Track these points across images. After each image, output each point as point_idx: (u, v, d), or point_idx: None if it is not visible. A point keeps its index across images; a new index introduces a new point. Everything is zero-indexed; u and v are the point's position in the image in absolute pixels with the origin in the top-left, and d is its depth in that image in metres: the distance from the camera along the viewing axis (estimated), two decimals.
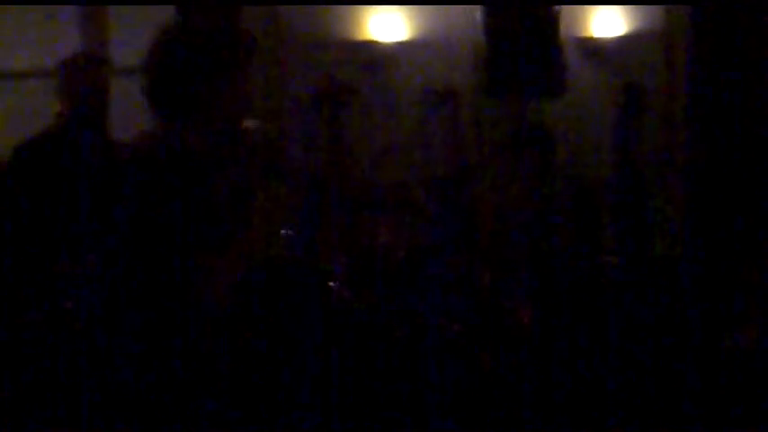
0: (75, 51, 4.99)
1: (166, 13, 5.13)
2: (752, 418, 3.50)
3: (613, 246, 4.63)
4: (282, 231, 3.99)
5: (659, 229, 5.21)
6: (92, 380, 2.65)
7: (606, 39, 6.00)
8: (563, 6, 5.67)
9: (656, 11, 6.03)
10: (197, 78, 2.28)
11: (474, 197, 4.78)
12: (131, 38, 5.40)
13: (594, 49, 6.00)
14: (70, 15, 5.51)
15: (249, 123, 2.41)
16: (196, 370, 2.25)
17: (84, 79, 3.74)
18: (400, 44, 5.81)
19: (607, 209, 4.87)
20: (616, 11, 6.00)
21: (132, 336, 2.25)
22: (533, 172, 4.60)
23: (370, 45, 5.79)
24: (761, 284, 4.04)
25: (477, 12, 5.60)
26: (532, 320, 3.88)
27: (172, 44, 2.33)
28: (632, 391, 3.66)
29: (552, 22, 5.60)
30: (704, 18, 5.71)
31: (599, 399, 3.62)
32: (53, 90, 3.81)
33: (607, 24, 6.00)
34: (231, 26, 2.40)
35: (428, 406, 3.55)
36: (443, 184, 4.87)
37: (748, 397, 3.57)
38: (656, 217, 5.18)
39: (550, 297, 3.96)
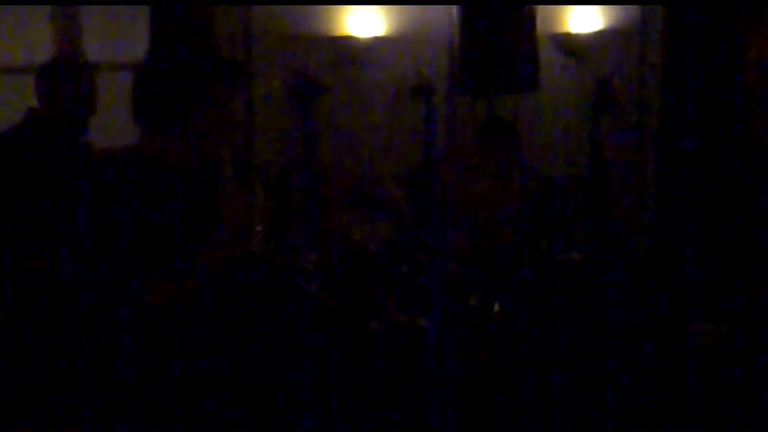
0: (52, 50, 5.02)
1: (141, 12, 5.20)
2: (722, 413, 3.54)
3: (582, 242, 4.67)
4: (258, 227, 4.01)
5: (629, 225, 5.26)
6: (61, 379, 2.69)
7: (580, 35, 6.03)
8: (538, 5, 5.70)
9: (630, 8, 6.06)
10: (180, 95, 2.32)
11: (445, 192, 4.81)
12: (105, 36, 5.44)
13: (568, 46, 6.03)
14: (45, 13, 5.49)
15: None
16: (169, 367, 2.28)
17: (60, 79, 3.73)
18: (373, 40, 5.82)
19: (577, 205, 4.92)
20: (591, 7, 6.03)
21: (105, 335, 2.28)
22: (503, 167, 4.65)
23: (344, 41, 5.79)
24: (732, 281, 4.09)
25: (452, 8, 5.62)
26: (501, 316, 3.92)
27: (157, 60, 2.37)
28: (599, 388, 3.70)
29: (527, 19, 5.62)
30: (678, 15, 5.76)
31: (568, 395, 3.66)
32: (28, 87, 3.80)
33: (581, 21, 6.03)
34: (215, 45, 2.45)
35: (400, 401, 3.58)
36: (416, 179, 4.90)
37: (718, 393, 3.62)
38: (627, 213, 5.23)
39: (519, 293, 4.00)
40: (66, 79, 3.69)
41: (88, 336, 2.37)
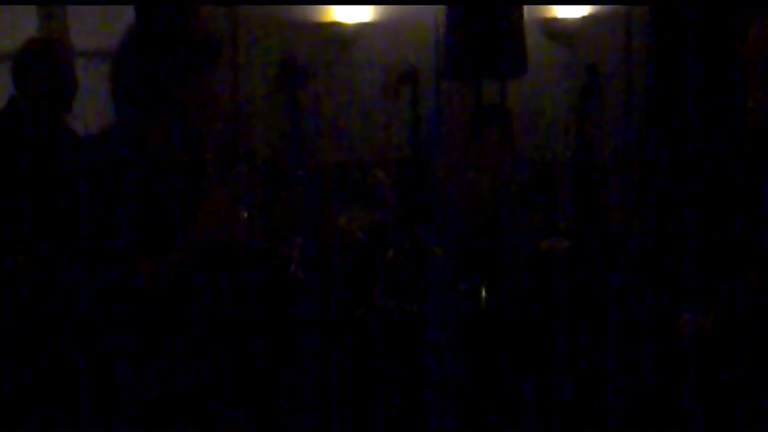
0: (33, 35, 4.97)
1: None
2: (704, 400, 3.55)
3: (569, 226, 4.68)
4: (245, 213, 3.99)
5: (615, 211, 5.26)
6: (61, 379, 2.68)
7: (568, 18, 6.02)
8: None
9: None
10: (160, 77, 2.29)
11: (434, 178, 4.81)
12: (90, 22, 5.40)
13: (556, 31, 6.02)
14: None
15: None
16: (155, 359, 2.27)
17: (40, 64, 3.70)
18: (360, 26, 5.81)
19: (564, 190, 4.91)
20: None
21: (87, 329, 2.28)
22: (492, 153, 4.64)
23: (331, 26, 5.78)
24: (716, 269, 4.09)
25: None
26: (490, 303, 3.93)
27: (136, 42, 2.34)
28: (583, 375, 3.71)
29: (514, 4, 5.60)
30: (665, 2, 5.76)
31: (553, 383, 3.67)
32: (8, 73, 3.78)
33: (568, 6, 6.02)
34: (195, 26, 2.41)
35: (385, 389, 3.59)
36: (403, 165, 4.90)
37: (701, 380, 3.62)
38: (612, 199, 5.23)
39: (509, 279, 4.00)
40: (43, 64, 3.65)
41: (79, 331, 2.37)
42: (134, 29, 2.38)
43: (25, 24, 5.28)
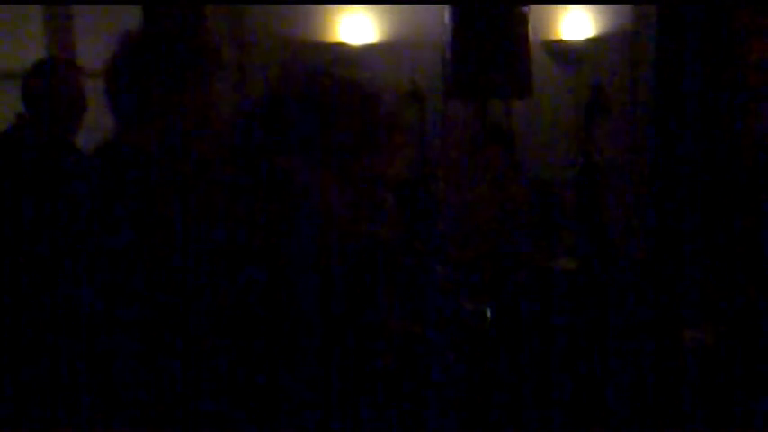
0: (42, 54, 4.99)
1: (133, 16, 5.19)
2: (709, 415, 3.54)
3: (574, 247, 4.66)
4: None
5: (621, 230, 5.25)
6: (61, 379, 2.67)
7: (573, 41, 6.04)
8: (530, 7, 5.70)
9: (623, 13, 6.07)
10: (158, 83, 2.28)
11: (437, 198, 4.80)
12: (97, 41, 5.42)
13: (561, 51, 6.04)
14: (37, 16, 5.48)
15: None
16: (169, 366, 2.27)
17: (47, 83, 3.71)
18: (366, 45, 5.82)
19: (571, 210, 4.90)
20: (584, 12, 6.03)
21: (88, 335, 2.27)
22: (496, 173, 4.64)
23: (336, 46, 5.79)
24: (722, 284, 4.08)
25: (444, 13, 5.62)
26: (494, 322, 3.91)
27: (134, 48, 2.34)
28: (597, 392, 3.69)
29: (520, 24, 5.62)
30: (670, 19, 5.76)
31: (554, 398, 3.65)
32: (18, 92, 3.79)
33: (574, 26, 6.04)
34: (195, 33, 2.40)
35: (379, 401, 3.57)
36: (408, 184, 4.88)
37: (708, 394, 3.61)
38: (621, 218, 5.22)
39: (511, 298, 3.99)
40: (52, 82, 3.67)
41: (87, 335, 2.36)
42: (136, 33, 2.37)
43: (31, 43, 5.31)
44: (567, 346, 3.82)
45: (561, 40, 6.03)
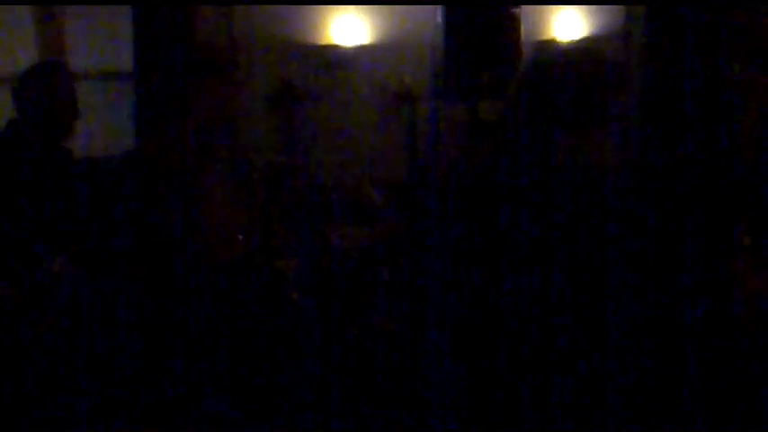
0: (34, 58, 5.00)
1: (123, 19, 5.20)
2: (722, 413, 3.54)
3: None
4: (240, 236, 4.00)
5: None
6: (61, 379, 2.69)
7: (565, 41, 6.05)
8: (522, 7, 5.72)
9: (615, 12, 6.09)
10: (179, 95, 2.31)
11: (430, 198, 4.80)
12: (88, 44, 5.43)
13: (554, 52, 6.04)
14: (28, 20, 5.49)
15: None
16: (147, 370, 2.28)
17: (39, 87, 3.71)
18: (357, 47, 5.83)
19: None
20: (575, 12, 6.05)
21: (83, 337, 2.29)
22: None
23: (328, 48, 5.80)
24: (719, 282, 4.08)
25: (436, 14, 5.63)
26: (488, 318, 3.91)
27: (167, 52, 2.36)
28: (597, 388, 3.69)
29: (512, 24, 5.63)
30: (661, 19, 5.76)
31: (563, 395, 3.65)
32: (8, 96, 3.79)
33: (566, 26, 6.05)
34: (212, 46, 2.43)
35: (377, 404, 3.57)
36: (400, 185, 4.90)
37: (717, 393, 3.61)
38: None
39: (496, 303, 3.99)
40: (43, 88, 3.67)
41: (89, 337, 2.38)
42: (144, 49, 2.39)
43: (22, 48, 5.32)
44: (562, 332, 3.82)
45: (554, 40, 6.04)
